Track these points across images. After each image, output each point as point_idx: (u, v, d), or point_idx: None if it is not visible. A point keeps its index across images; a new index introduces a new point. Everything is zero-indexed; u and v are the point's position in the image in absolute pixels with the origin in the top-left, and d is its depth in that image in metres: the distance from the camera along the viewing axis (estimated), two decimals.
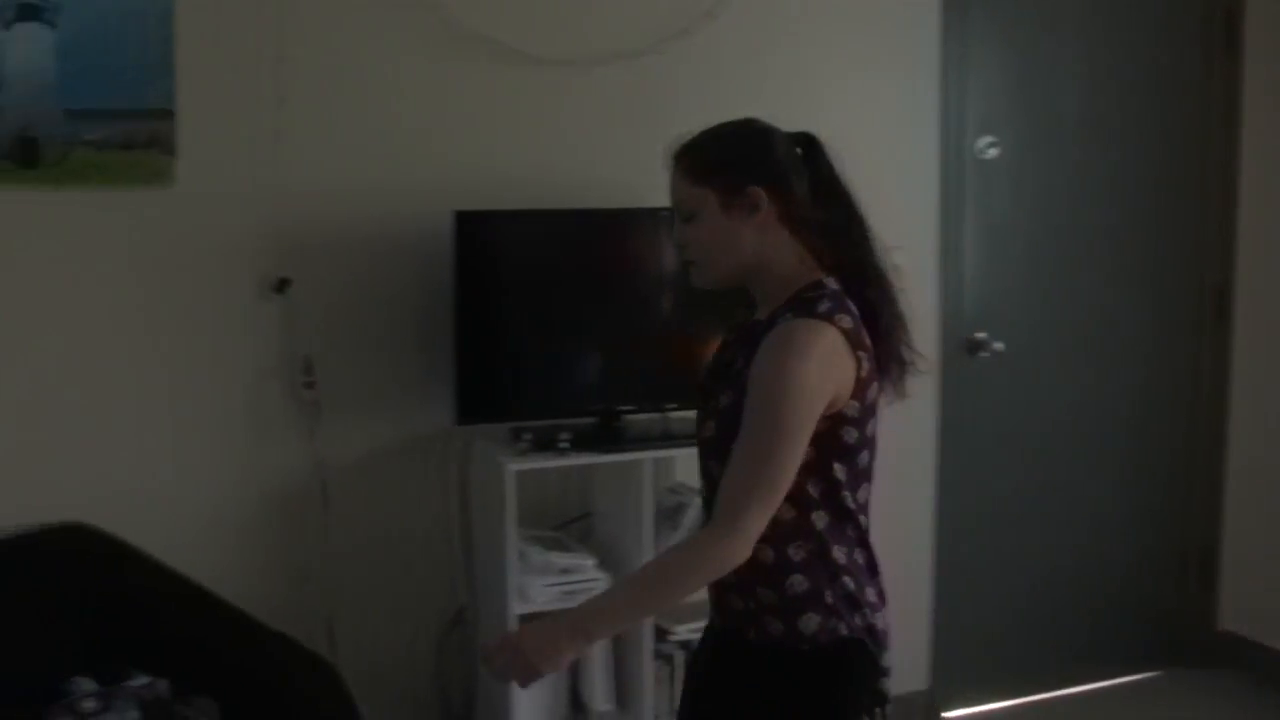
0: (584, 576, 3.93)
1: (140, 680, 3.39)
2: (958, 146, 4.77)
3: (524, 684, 2.38)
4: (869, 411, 2.46)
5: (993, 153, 4.83)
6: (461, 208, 3.83)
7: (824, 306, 2.43)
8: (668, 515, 4.04)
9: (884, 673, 2.52)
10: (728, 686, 2.60)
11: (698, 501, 4.01)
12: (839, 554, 2.47)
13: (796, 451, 2.35)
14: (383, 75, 3.97)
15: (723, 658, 2.62)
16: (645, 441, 4.02)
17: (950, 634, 4.96)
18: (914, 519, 4.85)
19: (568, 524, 4.24)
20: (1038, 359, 5.02)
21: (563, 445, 3.90)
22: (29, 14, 3.51)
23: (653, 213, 3.91)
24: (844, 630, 2.46)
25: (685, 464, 3.69)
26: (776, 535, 2.40)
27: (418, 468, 4.12)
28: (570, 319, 4.06)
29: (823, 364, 2.37)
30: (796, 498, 2.40)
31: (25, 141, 3.55)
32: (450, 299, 3.86)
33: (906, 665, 4.83)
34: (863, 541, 2.53)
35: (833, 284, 2.49)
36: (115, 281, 3.75)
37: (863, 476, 2.51)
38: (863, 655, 2.48)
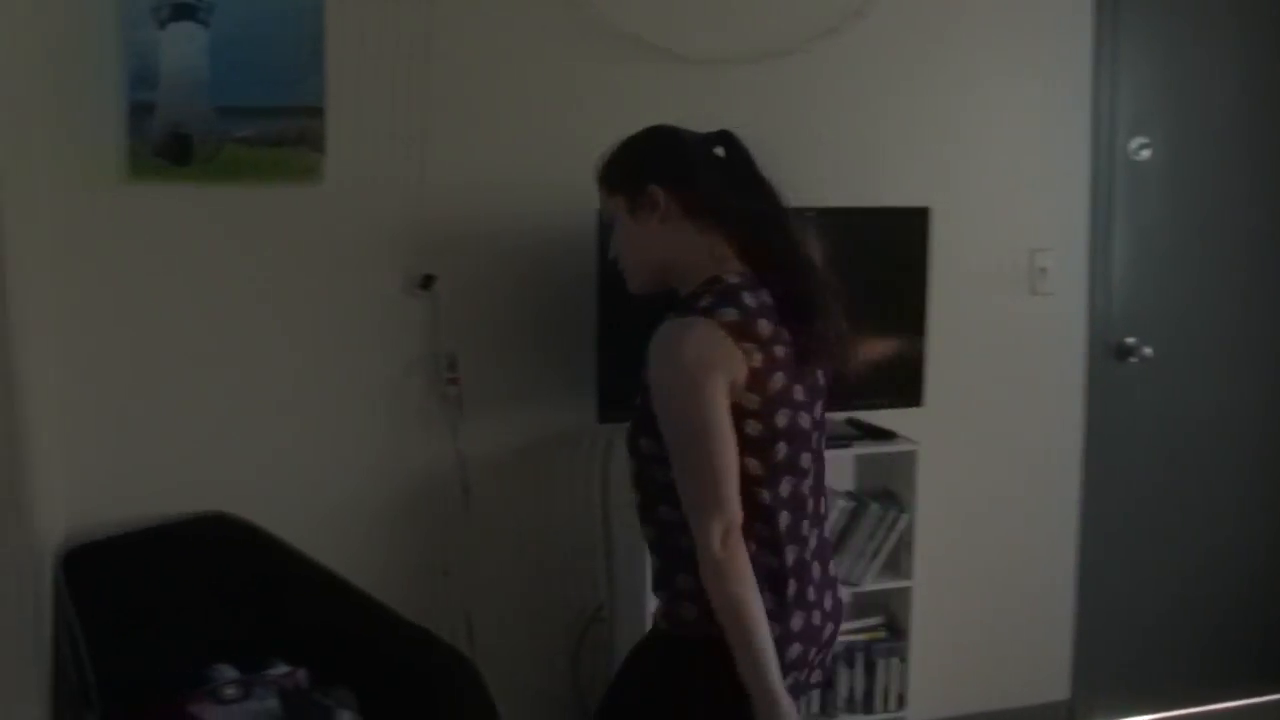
0: None
1: (280, 669, 3.44)
2: (1109, 147, 4.68)
3: None
4: (775, 403, 2.44)
5: (1145, 154, 4.73)
6: None
7: (704, 302, 2.46)
8: None
9: None
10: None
11: (840, 503, 3.98)
12: None
13: (723, 436, 2.37)
14: (528, 72, 3.99)
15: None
16: None
17: (1093, 644, 4.87)
18: (1058, 526, 4.78)
19: None
20: (1188, 365, 4.90)
21: None
22: (183, 14, 3.57)
23: (798, 212, 3.86)
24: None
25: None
26: (674, 529, 2.45)
27: (559, 466, 4.13)
28: None
29: (700, 355, 2.38)
30: None
31: (178, 139, 3.61)
32: (593, 296, 3.86)
33: (1047, 675, 4.80)
34: (774, 543, 2.48)
35: (732, 278, 2.50)
36: (262, 277, 3.80)
37: (783, 470, 2.48)
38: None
